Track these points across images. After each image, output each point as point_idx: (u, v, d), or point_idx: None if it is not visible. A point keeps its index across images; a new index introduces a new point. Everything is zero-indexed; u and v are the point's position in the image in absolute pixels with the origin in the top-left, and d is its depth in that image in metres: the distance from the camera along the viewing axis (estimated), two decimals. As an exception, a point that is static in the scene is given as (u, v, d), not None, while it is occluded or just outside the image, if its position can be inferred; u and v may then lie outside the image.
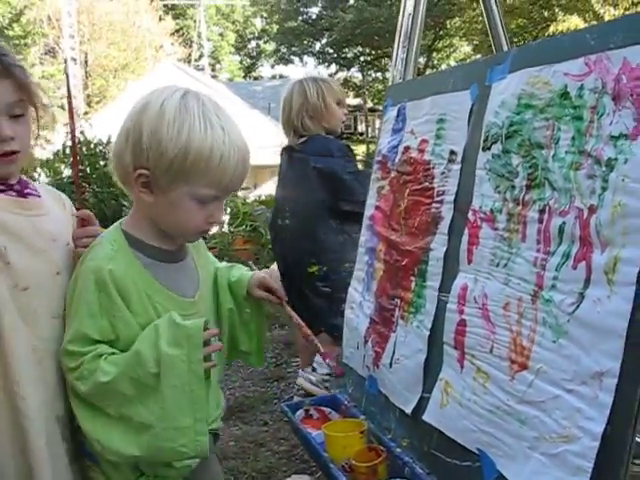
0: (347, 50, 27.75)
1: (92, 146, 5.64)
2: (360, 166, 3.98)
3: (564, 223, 1.23)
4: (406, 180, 1.86)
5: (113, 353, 1.31)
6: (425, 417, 1.58)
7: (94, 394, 1.30)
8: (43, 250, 1.37)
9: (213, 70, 34.54)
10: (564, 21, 17.58)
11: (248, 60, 39.91)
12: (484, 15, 2.18)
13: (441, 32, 23.95)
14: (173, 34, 29.07)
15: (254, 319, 1.63)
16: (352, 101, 26.59)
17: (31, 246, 1.34)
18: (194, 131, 1.28)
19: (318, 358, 3.46)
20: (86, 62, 23.37)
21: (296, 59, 31.33)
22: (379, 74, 28.59)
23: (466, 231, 1.53)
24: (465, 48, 25.63)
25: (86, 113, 7.41)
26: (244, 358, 1.70)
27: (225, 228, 7.12)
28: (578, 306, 1.17)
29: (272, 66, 36.54)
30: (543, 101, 1.34)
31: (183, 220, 1.36)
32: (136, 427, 1.28)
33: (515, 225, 1.37)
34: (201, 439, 1.29)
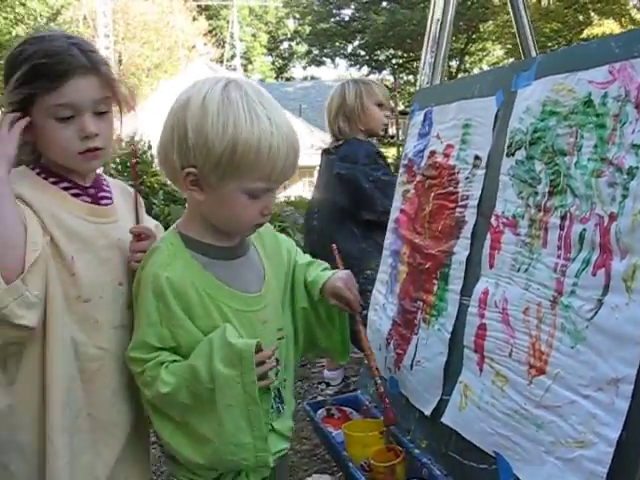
0: (379, 52, 27.71)
1: (124, 144, 5.72)
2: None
3: (584, 230, 1.24)
4: (431, 184, 1.88)
5: (174, 361, 1.29)
6: (444, 419, 1.60)
7: (158, 402, 1.30)
8: (109, 259, 1.36)
9: (245, 71, 34.72)
10: (599, 25, 17.40)
11: (280, 61, 40.11)
12: (513, 20, 2.18)
13: (474, 36, 23.80)
14: (206, 34, 29.27)
15: (331, 318, 1.56)
16: (383, 104, 26.49)
17: (98, 255, 1.34)
18: (240, 124, 1.22)
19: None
20: (120, 61, 23.65)
21: (328, 61, 31.43)
22: (411, 77, 28.47)
23: (488, 236, 1.55)
24: (498, 52, 25.41)
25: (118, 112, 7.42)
26: (327, 354, 1.66)
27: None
28: (596, 312, 1.18)
29: (304, 67, 36.66)
30: (567, 108, 1.35)
31: (236, 216, 1.31)
32: (199, 437, 1.27)
33: (536, 231, 1.38)
34: (262, 455, 1.27)
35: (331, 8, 27.08)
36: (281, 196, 9.45)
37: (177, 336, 1.29)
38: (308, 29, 30.30)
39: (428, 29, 2.15)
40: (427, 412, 1.69)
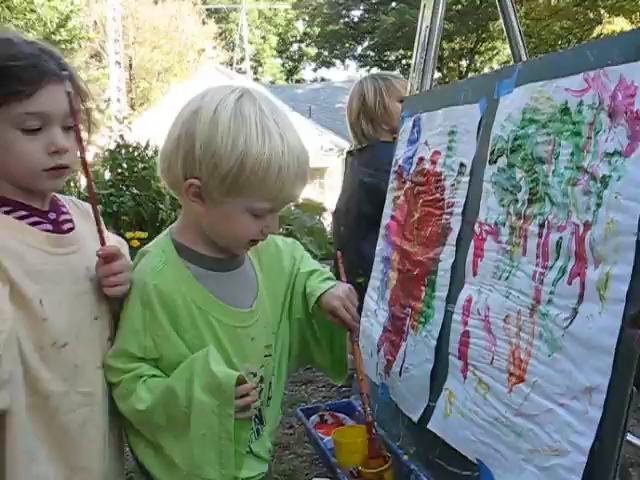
0: (389, 53, 27.68)
1: (131, 149, 5.74)
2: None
3: (561, 238, 1.24)
4: (419, 191, 1.88)
5: (154, 375, 1.26)
6: (430, 426, 1.60)
7: (131, 417, 1.27)
8: (82, 292, 1.23)
9: (255, 73, 34.84)
10: (609, 23, 17.28)
11: (290, 63, 40.19)
12: (503, 24, 2.18)
13: (484, 35, 23.71)
14: (216, 38, 29.44)
15: (327, 334, 1.50)
16: (393, 104, 26.47)
17: (68, 292, 1.21)
18: (251, 142, 1.17)
19: None
20: (130, 65, 23.81)
21: (338, 62, 31.48)
22: (421, 77, 28.40)
23: (472, 243, 1.55)
24: (507, 51, 25.28)
25: (125, 118, 7.40)
26: (323, 372, 1.61)
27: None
28: (572, 321, 1.18)
29: (314, 69, 36.67)
30: (545, 116, 1.35)
31: (234, 232, 1.27)
32: (168, 461, 1.24)
33: (517, 239, 1.38)
34: None
35: (340, 9, 27.09)
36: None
37: (160, 348, 1.26)
38: (317, 31, 30.35)
39: (417, 35, 2.16)
40: (415, 419, 1.69)
